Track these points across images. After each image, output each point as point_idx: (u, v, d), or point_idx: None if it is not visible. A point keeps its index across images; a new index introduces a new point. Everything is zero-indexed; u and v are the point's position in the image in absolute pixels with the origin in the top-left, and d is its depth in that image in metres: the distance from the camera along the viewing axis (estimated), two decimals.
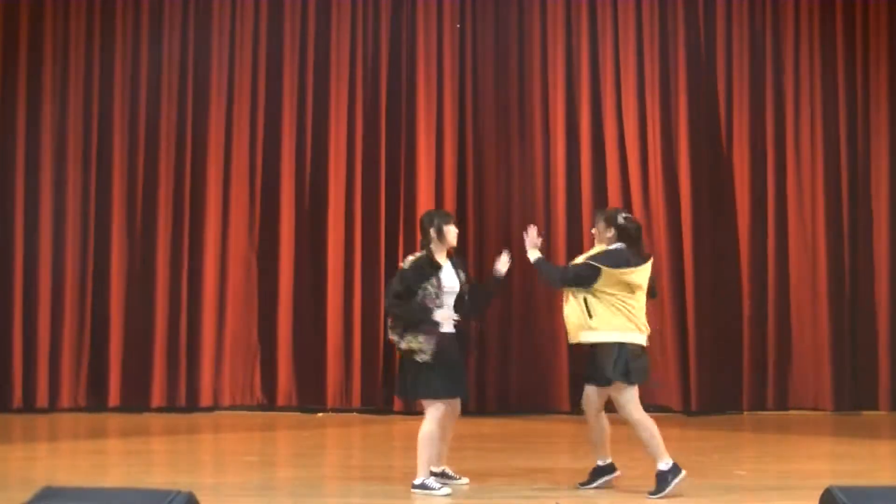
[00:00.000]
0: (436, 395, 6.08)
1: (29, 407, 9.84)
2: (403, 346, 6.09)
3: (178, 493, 3.94)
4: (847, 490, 3.83)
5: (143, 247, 10.08)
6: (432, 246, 6.24)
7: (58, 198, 10.05)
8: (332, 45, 10.24)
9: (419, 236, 6.30)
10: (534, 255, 6.34)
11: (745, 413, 9.98)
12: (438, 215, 6.41)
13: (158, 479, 6.57)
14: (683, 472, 5.99)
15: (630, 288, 6.04)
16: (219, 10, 10.21)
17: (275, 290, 10.09)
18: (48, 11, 10.15)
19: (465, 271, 6.39)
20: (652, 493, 5.98)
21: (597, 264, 6.03)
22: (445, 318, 6.10)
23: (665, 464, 6.00)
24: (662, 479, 5.99)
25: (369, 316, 10.05)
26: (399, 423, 9.48)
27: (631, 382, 6.04)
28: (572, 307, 6.14)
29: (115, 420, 9.57)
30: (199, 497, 4.02)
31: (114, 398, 9.94)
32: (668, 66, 10.21)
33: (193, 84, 10.20)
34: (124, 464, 7.67)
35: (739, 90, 10.20)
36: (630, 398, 6.05)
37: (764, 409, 9.96)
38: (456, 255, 6.39)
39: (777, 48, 10.23)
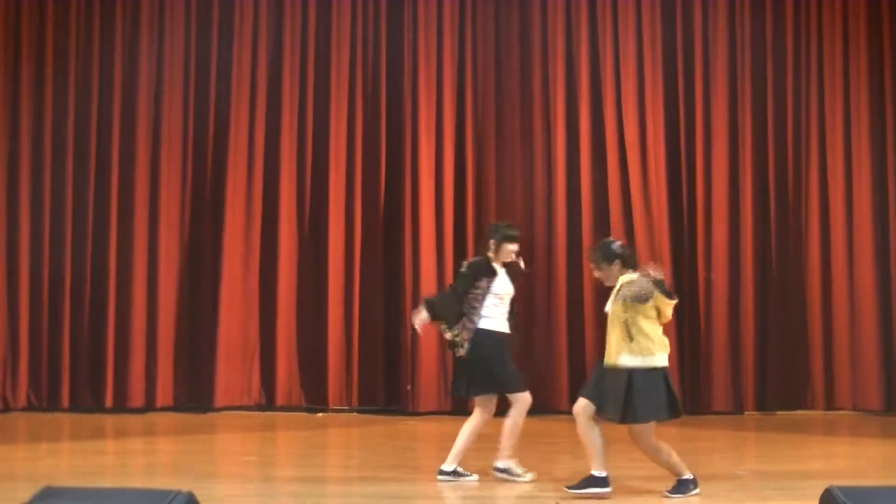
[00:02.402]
0: (483, 392, 6.48)
1: (31, 406, 9.84)
2: (448, 336, 6.49)
3: (178, 493, 3.94)
4: (847, 490, 3.83)
5: (142, 246, 10.06)
6: (489, 254, 6.60)
7: (58, 198, 10.03)
8: (332, 45, 10.23)
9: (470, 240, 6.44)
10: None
11: (746, 413, 9.98)
12: (504, 230, 6.71)
13: (158, 479, 6.57)
14: (699, 490, 5.98)
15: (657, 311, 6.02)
16: (219, 10, 10.21)
17: (275, 290, 10.08)
18: (49, 11, 10.13)
19: (515, 281, 6.72)
20: (670, 492, 5.97)
21: (655, 288, 5.91)
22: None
23: (689, 475, 5.99)
24: (684, 485, 5.97)
25: (370, 315, 10.05)
26: (400, 423, 9.48)
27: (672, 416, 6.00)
28: (615, 329, 6.00)
29: (114, 420, 9.56)
30: (199, 497, 4.02)
31: (115, 398, 9.93)
32: (668, 66, 10.21)
33: (194, 84, 10.19)
34: (124, 464, 7.67)
35: (741, 89, 10.19)
36: (651, 430, 5.98)
37: (764, 409, 9.96)
38: (509, 266, 6.69)
39: (778, 47, 10.22)
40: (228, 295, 10.06)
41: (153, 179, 10.12)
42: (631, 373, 5.86)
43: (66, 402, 9.89)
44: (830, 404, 9.96)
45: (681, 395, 9.89)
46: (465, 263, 6.74)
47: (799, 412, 9.95)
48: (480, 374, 6.46)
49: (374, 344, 10.02)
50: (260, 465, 7.53)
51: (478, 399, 6.56)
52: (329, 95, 10.20)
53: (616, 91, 10.18)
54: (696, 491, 5.98)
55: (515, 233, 6.73)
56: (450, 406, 9.83)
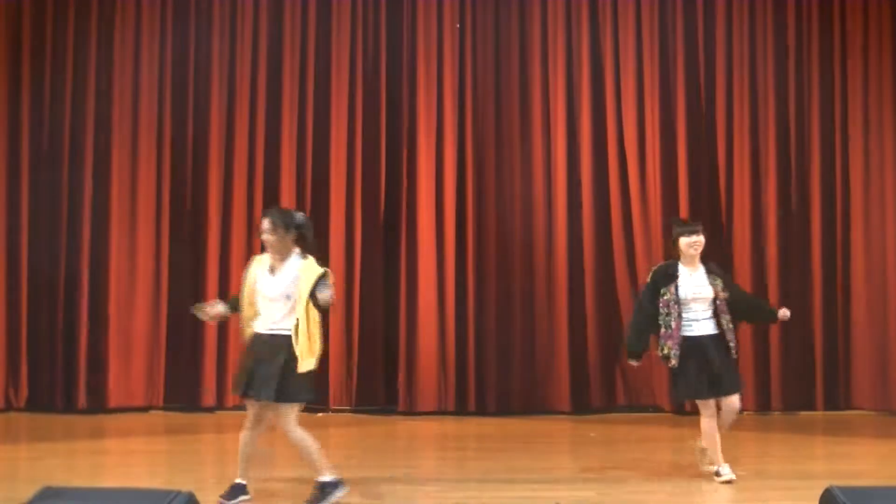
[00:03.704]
0: (685, 397, 6.67)
1: (32, 407, 9.83)
2: (659, 353, 6.60)
3: (178, 493, 3.96)
4: (847, 490, 3.84)
5: (143, 246, 10.06)
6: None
7: (55, 198, 10.02)
8: (332, 45, 10.22)
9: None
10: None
11: (745, 413, 9.96)
12: (677, 226, 6.84)
13: (158, 479, 6.57)
14: (347, 488, 5.92)
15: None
16: (219, 10, 10.20)
17: None
18: (49, 11, 10.13)
19: (723, 277, 6.74)
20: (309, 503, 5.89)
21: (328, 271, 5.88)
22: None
23: (328, 477, 5.90)
24: (324, 491, 5.89)
25: (370, 315, 10.05)
26: (399, 423, 9.48)
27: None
28: (303, 332, 5.82)
29: (115, 420, 9.56)
30: (199, 497, 4.02)
31: (115, 398, 9.92)
32: (668, 66, 10.20)
33: (193, 84, 10.18)
34: (124, 464, 7.68)
35: (740, 90, 10.18)
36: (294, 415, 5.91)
37: (763, 409, 9.95)
38: (711, 263, 6.76)
39: (778, 47, 10.22)
40: (230, 295, 10.03)
41: (154, 179, 10.10)
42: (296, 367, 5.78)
43: (66, 401, 9.87)
44: (831, 405, 9.95)
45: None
46: (653, 269, 6.81)
47: (798, 412, 9.93)
48: (682, 381, 6.57)
49: (374, 344, 10.01)
50: (260, 465, 7.52)
51: (698, 403, 6.65)
52: (329, 95, 10.19)
53: (616, 91, 10.17)
54: (345, 491, 5.87)
55: (688, 226, 6.77)
56: (450, 406, 9.84)
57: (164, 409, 9.94)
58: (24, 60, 10.09)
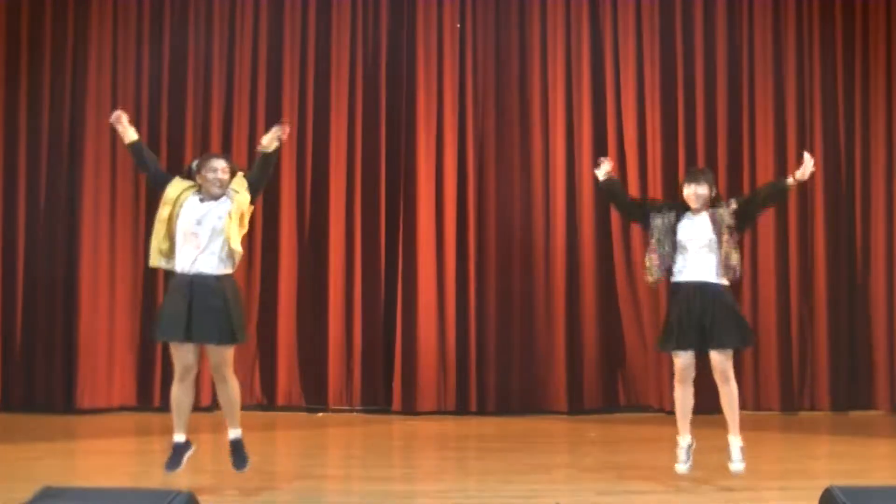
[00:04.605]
0: (665, 349, 6.39)
1: (32, 407, 9.84)
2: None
3: (178, 493, 3.96)
4: (847, 490, 3.85)
5: (143, 248, 10.06)
6: None
7: (54, 197, 10.02)
8: (332, 45, 10.24)
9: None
10: None
11: (745, 412, 9.95)
12: (686, 173, 6.69)
13: (157, 479, 6.57)
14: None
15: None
16: (219, 10, 10.21)
17: (275, 290, 10.08)
18: (48, 11, 10.13)
19: (726, 216, 6.16)
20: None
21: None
22: None
23: (238, 433, 6.21)
24: (241, 450, 6.23)
25: (370, 314, 10.05)
26: (399, 423, 9.49)
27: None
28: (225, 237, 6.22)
29: (114, 420, 9.57)
30: (199, 497, 4.02)
31: (114, 398, 9.93)
32: (668, 66, 10.21)
33: (193, 84, 10.19)
34: (124, 464, 7.68)
35: (739, 90, 10.20)
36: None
37: (763, 408, 9.96)
38: (722, 206, 6.23)
39: (778, 47, 10.23)
40: None
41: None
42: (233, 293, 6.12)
43: (65, 402, 9.88)
44: (832, 404, 9.94)
45: None
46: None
47: (797, 412, 9.93)
48: (665, 330, 6.31)
49: (374, 344, 10.02)
50: (259, 464, 7.52)
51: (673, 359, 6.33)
52: (329, 95, 10.20)
53: (616, 91, 10.18)
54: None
55: (688, 175, 6.39)
56: (450, 406, 9.84)
57: (163, 409, 9.93)
58: (22, 59, 10.09)
